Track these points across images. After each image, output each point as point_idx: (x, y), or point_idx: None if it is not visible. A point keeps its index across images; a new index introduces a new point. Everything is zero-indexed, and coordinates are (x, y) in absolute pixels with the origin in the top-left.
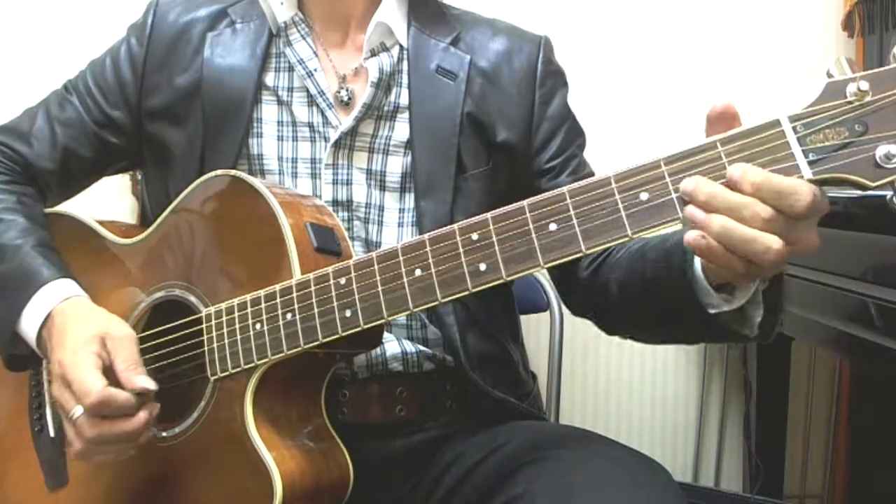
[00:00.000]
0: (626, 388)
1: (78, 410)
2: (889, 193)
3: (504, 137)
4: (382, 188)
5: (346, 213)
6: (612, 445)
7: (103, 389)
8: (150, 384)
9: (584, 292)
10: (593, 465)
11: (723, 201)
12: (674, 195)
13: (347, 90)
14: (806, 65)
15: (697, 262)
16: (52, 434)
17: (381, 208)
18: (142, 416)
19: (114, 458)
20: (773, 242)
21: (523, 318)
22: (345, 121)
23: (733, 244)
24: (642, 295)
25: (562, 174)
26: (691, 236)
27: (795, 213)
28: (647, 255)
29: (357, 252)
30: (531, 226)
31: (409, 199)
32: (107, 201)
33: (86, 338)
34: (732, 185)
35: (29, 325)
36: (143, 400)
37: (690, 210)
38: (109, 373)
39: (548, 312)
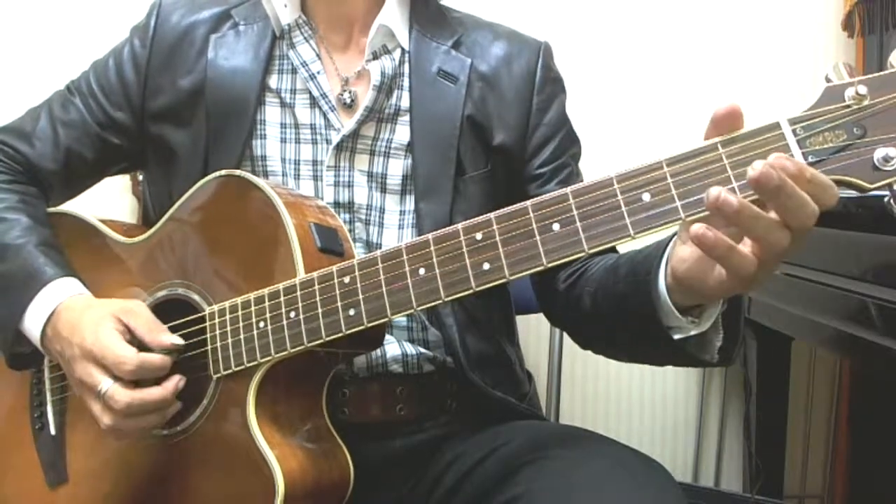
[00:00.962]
0: (626, 388)
1: (106, 383)
2: (887, 196)
3: (501, 140)
4: (383, 190)
5: (347, 215)
6: (612, 445)
7: (138, 355)
8: (178, 340)
9: (561, 305)
10: (593, 465)
11: (791, 194)
12: (676, 199)
13: (350, 93)
14: (806, 64)
15: (662, 282)
16: (52, 432)
17: (382, 210)
18: (171, 383)
19: (141, 434)
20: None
21: (523, 318)
22: (347, 123)
23: (755, 230)
24: (612, 311)
25: (551, 182)
26: (697, 226)
27: (828, 206)
28: (618, 270)
29: (359, 253)
30: (534, 226)
31: (410, 202)
32: (107, 201)
33: (100, 316)
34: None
35: (32, 323)
36: (174, 359)
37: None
38: (133, 344)
39: None
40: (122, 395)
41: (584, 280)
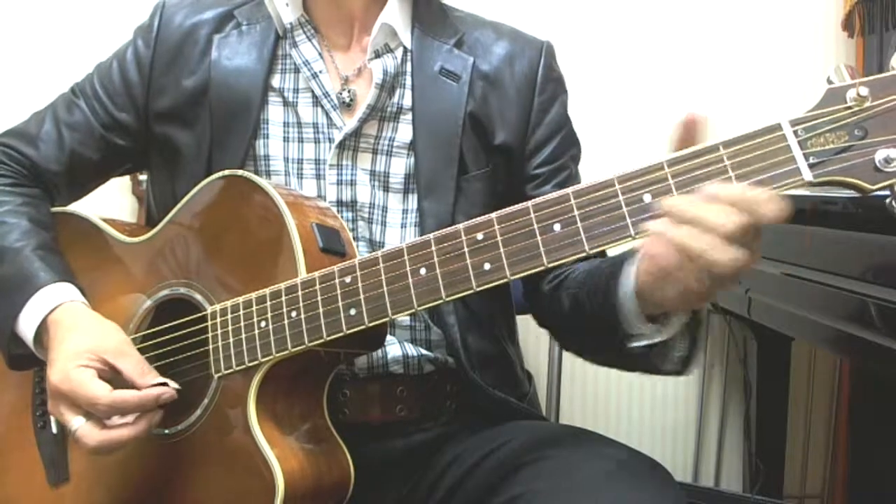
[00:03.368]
0: (626, 388)
1: (77, 422)
2: (888, 197)
3: (502, 140)
4: (386, 189)
5: (350, 214)
6: (611, 445)
7: (110, 394)
8: (170, 383)
9: (545, 306)
10: (593, 465)
11: (696, 209)
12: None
13: (349, 92)
14: (806, 64)
15: (630, 289)
16: (54, 430)
17: (385, 209)
18: (142, 423)
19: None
20: (735, 252)
21: (523, 318)
22: (349, 122)
23: (694, 251)
24: (586, 314)
25: (548, 183)
26: (650, 244)
27: (771, 219)
28: (594, 273)
29: (361, 253)
30: (535, 226)
31: (413, 200)
32: (107, 201)
33: (76, 352)
34: (709, 200)
35: (26, 327)
36: (161, 392)
37: (654, 222)
38: (113, 382)
39: None
40: (91, 438)
41: (567, 281)
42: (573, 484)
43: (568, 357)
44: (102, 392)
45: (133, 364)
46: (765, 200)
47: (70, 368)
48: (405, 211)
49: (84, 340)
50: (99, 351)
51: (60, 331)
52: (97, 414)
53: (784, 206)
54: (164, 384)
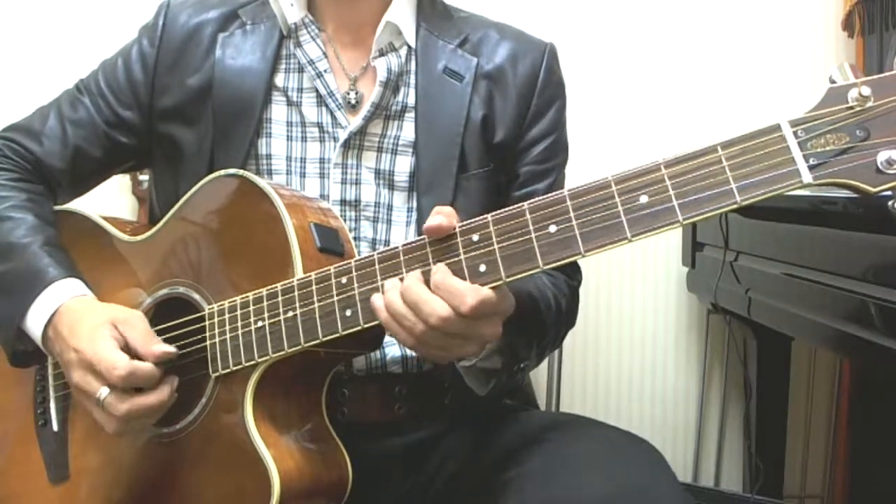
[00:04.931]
0: (626, 387)
1: (104, 391)
2: (891, 201)
3: (500, 139)
4: (391, 187)
5: (353, 213)
6: (605, 427)
7: (129, 363)
8: (170, 349)
9: None
10: (586, 444)
11: (410, 295)
12: (674, 200)
13: (357, 94)
14: (806, 65)
15: None
16: (55, 428)
17: (390, 207)
18: (165, 388)
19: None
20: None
21: None
22: (354, 121)
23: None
24: None
25: (531, 185)
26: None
27: (462, 312)
28: None
29: (363, 253)
30: (531, 227)
31: (416, 199)
32: (106, 201)
33: (97, 323)
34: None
35: (34, 322)
36: (164, 369)
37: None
38: (127, 352)
39: None
40: (121, 404)
41: None
42: (566, 462)
43: (568, 356)
44: (122, 360)
45: (138, 333)
46: (459, 293)
47: (97, 337)
48: (409, 209)
49: (102, 315)
50: (115, 321)
51: (78, 315)
52: (115, 382)
53: (477, 300)
54: (168, 356)
